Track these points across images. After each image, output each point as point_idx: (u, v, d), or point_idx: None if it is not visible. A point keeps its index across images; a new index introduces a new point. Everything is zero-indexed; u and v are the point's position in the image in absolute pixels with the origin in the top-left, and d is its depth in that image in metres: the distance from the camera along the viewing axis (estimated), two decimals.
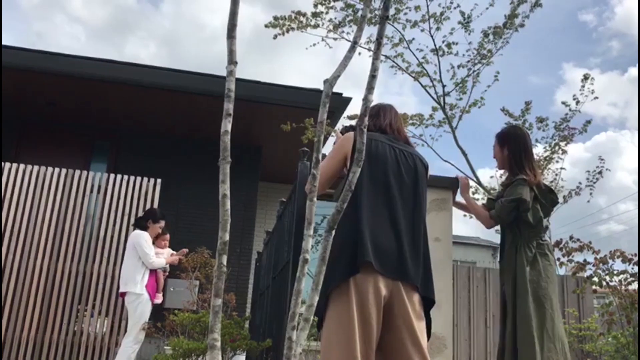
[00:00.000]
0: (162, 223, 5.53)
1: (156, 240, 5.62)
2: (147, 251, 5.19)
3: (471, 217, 7.08)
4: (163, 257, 5.62)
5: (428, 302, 2.34)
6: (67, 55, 7.09)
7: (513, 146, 3.41)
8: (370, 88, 1.43)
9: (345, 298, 2.16)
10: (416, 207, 2.41)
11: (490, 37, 7.34)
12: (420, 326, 2.23)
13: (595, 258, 4.69)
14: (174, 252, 5.72)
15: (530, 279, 3.11)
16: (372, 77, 1.43)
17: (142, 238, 5.25)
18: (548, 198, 3.33)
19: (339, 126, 7.59)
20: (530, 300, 3.07)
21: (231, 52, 1.33)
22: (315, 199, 1.39)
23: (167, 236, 5.73)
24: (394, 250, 2.25)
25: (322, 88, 1.46)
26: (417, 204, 2.42)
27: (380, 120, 2.61)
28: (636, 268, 4.51)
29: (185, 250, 5.62)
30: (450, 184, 3.61)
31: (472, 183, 7.11)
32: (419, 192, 2.44)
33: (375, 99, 1.59)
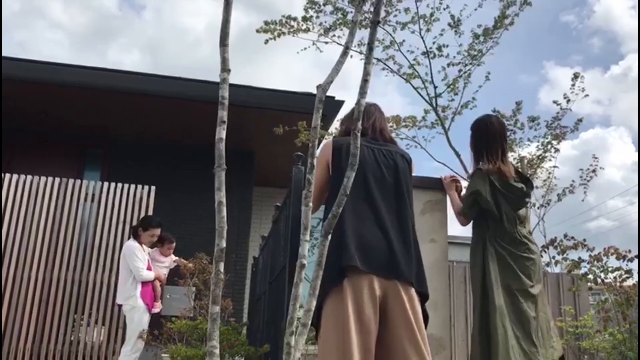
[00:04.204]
0: (155, 231, 5.48)
1: (161, 247, 5.63)
2: (137, 264, 5.17)
3: None
4: (164, 265, 5.63)
5: (422, 297, 2.35)
6: (58, 64, 7.08)
7: (474, 135, 3.37)
8: (362, 92, 1.44)
9: (340, 299, 2.17)
10: (400, 204, 2.42)
11: (481, 38, 7.37)
12: (418, 323, 2.24)
13: (590, 255, 4.71)
14: (177, 259, 5.71)
15: (503, 275, 3.05)
16: (365, 81, 1.44)
17: (131, 250, 5.23)
18: (514, 189, 3.18)
19: (332, 129, 7.60)
20: (502, 295, 3.01)
21: (224, 60, 1.33)
22: (310, 204, 1.40)
23: (173, 245, 5.74)
24: (384, 250, 2.27)
25: (312, 91, 1.47)
26: (401, 201, 2.43)
27: (363, 123, 2.63)
28: (630, 264, 4.53)
29: (184, 260, 5.60)
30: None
31: (465, 183, 7.11)
32: (402, 190, 2.46)
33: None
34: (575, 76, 7.53)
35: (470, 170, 3.49)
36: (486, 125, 3.36)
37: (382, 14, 7.27)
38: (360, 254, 2.21)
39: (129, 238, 5.57)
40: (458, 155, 7.40)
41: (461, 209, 3.26)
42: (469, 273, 6.71)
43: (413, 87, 7.70)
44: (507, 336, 2.94)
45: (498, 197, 3.15)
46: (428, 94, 7.64)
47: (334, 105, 7.34)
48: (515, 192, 3.20)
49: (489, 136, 3.31)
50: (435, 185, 3.59)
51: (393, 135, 3.53)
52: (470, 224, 3.39)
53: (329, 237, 1.40)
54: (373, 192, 2.38)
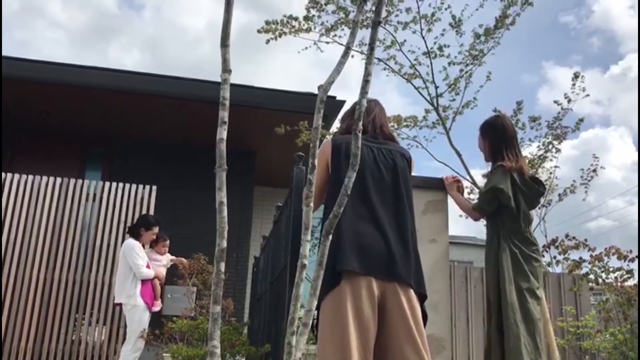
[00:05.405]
0: (156, 229, 5.51)
1: (156, 245, 5.63)
2: (137, 262, 5.18)
3: (467, 217, 7.10)
4: (161, 263, 5.62)
5: (420, 297, 2.35)
6: (60, 64, 7.08)
7: (492, 135, 3.39)
8: (364, 93, 1.44)
9: (339, 300, 2.18)
10: (399, 204, 2.41)
11: (482, 38, 7.37)
12: (417, 324, 2.24)
13: (591, 255, 4.71)
14: (174, 257, 5.72)
15: (514, 273, 3.06)
16: (366, 81, 1.44)
17: (131, 248, 5.24)
18: (533, 188, 3.24)
19: (333, 129, 7.61)
20: (514, 291, 3.02)
21: (225, 61, 1.33)
22: (312, 204, 1.40)
23: (167, 242, 5.74)
24: (383, 251, 2.26)
25: (313, 91, 1.47)
26: (400, 201, 2.42)
27: (362, 121, 2.62)
28: (631, 265, 4.53)
29: (184, 260, 5.61)
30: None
31: (467, 183, 7.12)
32: (400, 190, 2.44)
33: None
34: (576, 76, 7.52)
35: (488, 169, 3.51)
36: (502, 125, 3.41)
37: (384, 13, 7.27)
38: (359, 256, 2.21)
39: (128, 237, 5.56)
40: (459, 155, 7.41)
41: (479, 204, 3.27)
42: (471, 273, 6.72)
43: (414, 87, 7.71)
44: (520, 334, 2.95)
45: (518, 195, 3.19)
46: (429, 94, 7.64)
47: (335, 105, 7.34)
48: (533, 189, 3.25)
49: (506, 135, 3.37)
50: (437, 185, 3.58)
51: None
52: (476, 221, 3.41)
53: (330, 237, 1.40)
54: (371, 193, 2.37)
